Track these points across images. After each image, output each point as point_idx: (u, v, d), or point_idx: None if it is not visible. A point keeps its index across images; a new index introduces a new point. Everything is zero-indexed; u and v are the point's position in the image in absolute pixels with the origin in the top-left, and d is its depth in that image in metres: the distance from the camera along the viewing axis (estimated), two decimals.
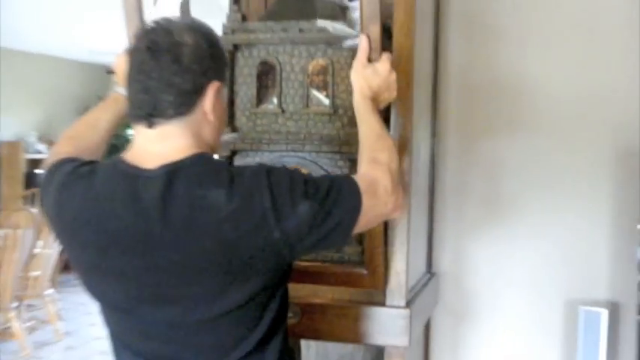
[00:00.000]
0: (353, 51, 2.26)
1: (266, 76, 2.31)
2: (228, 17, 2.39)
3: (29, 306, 7.13)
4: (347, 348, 2.54)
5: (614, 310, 2.46)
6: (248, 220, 1.48)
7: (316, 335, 2.18)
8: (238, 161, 2.29)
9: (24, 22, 7.50)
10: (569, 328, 2.53)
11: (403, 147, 2.06)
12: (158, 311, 1.59)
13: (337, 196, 1.58)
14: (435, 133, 2.62)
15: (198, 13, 2.15)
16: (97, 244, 1.58)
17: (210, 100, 1.59)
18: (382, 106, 1.95)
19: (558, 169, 2.55)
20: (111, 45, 8.67)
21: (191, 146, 1.58)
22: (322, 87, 2.27)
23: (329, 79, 2.25)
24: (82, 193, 1.60)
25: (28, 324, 6.82)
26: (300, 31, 2.28)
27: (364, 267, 2.10)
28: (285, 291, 1.71)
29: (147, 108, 1.55)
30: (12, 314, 6.20)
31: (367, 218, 1.65)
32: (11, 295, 6.05)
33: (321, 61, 2.27)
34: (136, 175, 1.55)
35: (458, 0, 2.63)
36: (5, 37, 8.46)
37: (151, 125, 1.56)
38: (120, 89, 2.00)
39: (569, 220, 2.55)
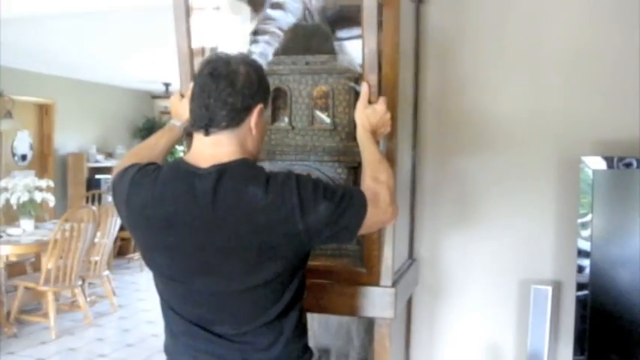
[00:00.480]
0: (349, 79, 2.25)
1: (279, 99, 2.31)
2: (248, 52, 2.37)
3: (90, 284, 7.17)
4: (344, 319, 2.51)
5: (558, 287, 2.45)
6: (278, 212, 1.54)
7: (319, 309, 2.15)
8: None
9: (90, 58, 7.50)
10: (522, 302, 2.51)
11: (390, 157, 2.03)
12: (203, 281, 1.64)
13: (349, 201, 1.62)
14: (415, 147, 2.59)
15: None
16: (159, 225, 1.64)
17: (254, 118, 1.66)
18: (379, 138, 1.94)
19: (513, 175, 2.53)
20: (154, 75, 8.75)
21: (237, 152, 1.64)
22: (324, 108, 2.27)
23: (330, 102, 2.25)
24: (149, 186, 1.66)
25: (90, 298, 6.85)
26: (307, 63, 2.27)
27: (363, 266, 2.09)
28: (303, 276, 1.75)
29: (205, 120, 1.62)
30: (77, 290, 6.22)
31: (370, 223, 1.68)
32: (77, 275, 6.05)
33: (323, 88, 2.26)
34: (193, 171, 1.61)
35: (433, 41, 2.60)
36: (72, 69, 8.49)
37: (207, 133, 1.63)
38: (174, 121, 2.06)
39: (522, 216, 2.52)
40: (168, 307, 1.75)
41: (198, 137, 1.66)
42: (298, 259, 1.67)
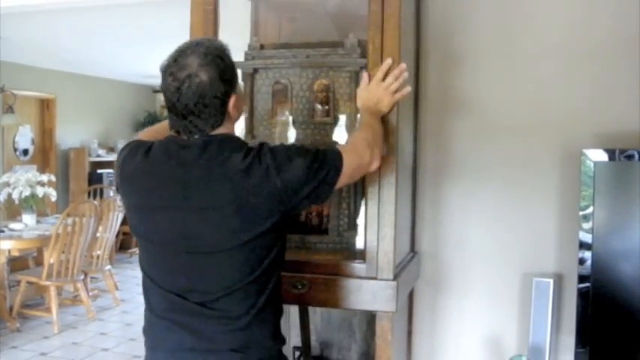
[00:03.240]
0: (350, 72, 2.25)
1: (280, 93, 2.30)
2: (249, 46, 2.37)
3: (93, 278, 7.21)
4: (346, 313, 2.52)
5: (559, 279, 2.44)
6: (256, 173, 1.63)
7: (321, 303, 2.15)
8: None
9: (91, 53, 7.50)
10: (524, 294, 2.51)
11: (391, 151, 2.05)
12: (184, 243, 1.68)
13: (323, 155, 1.73)
14: (416, 141, 2.59)
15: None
16: (146, 187, 1.73)
17: (231, 105, 1.72)
18: (388, 108, 2.01)
19: (515, 168, 2.53)
20: (156, 70, 8.71)
21: (221, 130, 1.72)
22: (325, 102, 2.27)
23: (330, 95, 2.25)
24: (141, 156, 1.75)
25: (92, 293, 6.87)
26: (307, 57, 2.27)
27: (365, 260, 2.09)
28: (283, 247, 1.79)
29: (187, 128, 1.69)
30: (80, 285, 6.24)
31: (350, 171, 1.78)
32: (79, 269, 6.07)
33: (324, 81, 2.26)
34: (181, 142, 1.70)
35: (434, 34, 2.59)
36: (73, 64, 8.48)
37: (190, 137, 1.70)
38: None
39: (524, 209, 2.52)
40: (150, 282, 1.79)
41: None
42: (279, 222, 1.69)
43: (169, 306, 1.73)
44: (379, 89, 1.98)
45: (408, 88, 2.02)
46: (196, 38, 1.82)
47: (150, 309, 1.80)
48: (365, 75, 2.02)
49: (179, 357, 1.73)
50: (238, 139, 1.76)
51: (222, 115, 1.70)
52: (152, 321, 1.79)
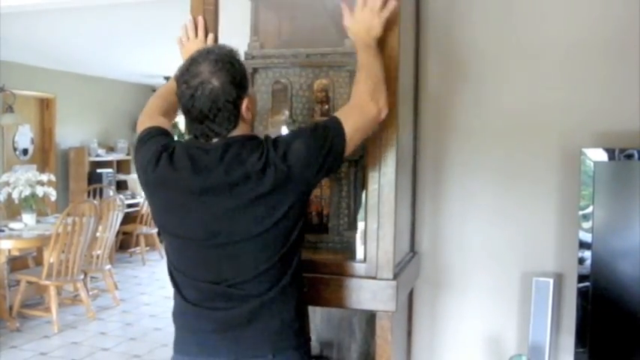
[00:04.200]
0: (349, 72, 2.25)
1: (279, 92, 2.30)
2: (249, 45, 2.38)
3: (92, 278, 7.21)
4: (346, 312, 2.52)
5: (559, 279, 2.44)
6: (269, 170, 1.71)
7: (321, 302, 2.16)
8: None
9: (91, 52, 7.50)
10: (524, 294, 2.51)
11: (391, 149, 2.06)
12: (214, 238, 1.78)
13: (323, 129, 1.80)
14: (415, 139, 2.59)
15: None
16: (172, 193, 1.81)
17: (244, 110, 1.79)
18: (380, 31, 1.96)
19: (514, 167, 2.53)
20: (155, 69, 8.74)
21: (238, 132, 1.80)
22: (325, 101, 2.26)
23: (330, 94, 2.25)
24: (165, 161, 1.81)
25: (92, 292, 6.87)
26: (307, 56, 2.27)
27: (365, 259, 2.10)
28: (303, 225, 1.87)
29: (205, 132, 1.78)
30: (80, 284, 6.23)
31: (358, 133, 1.84)
32: (79, 269, 6.07)
33: (324, 81, 2.26)
34: (202, 145, 1.79)
35: (433, 33, 2.59)
36: (73, 63, 8.48)
37: (209, 140, 1.80)
38: None
39: (523, 208, 2.52)
40: (180, 274, 1.88)
41: None
42: (297, 202, 1.79)
43: (201, 295, 1.85)
44: (365, 14, 1.93)
45: (393, 2, 1.96)
46: (207, 46, 1.88)
47: (181, 297, 1.89)
48: (344, 4, 1.98)
49: (208, 338, 1.85)
50: (256, 138, 1.83)
51: (236, 117, 1.78)
52: (182, 307, 1.89)
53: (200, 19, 2.18)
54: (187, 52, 2.02)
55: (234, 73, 1.76)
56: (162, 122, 2.00)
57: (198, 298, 1.85)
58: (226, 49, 1.82)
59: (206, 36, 2.18)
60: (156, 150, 1.85)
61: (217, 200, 1.75)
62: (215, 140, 1.79)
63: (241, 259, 1.80)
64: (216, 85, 1.73)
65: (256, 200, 1.73)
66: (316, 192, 2.36)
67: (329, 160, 1.79)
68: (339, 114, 1.85)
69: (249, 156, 1.73)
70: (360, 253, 2.13)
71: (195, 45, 2.10)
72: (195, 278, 1.85)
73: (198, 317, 1.86)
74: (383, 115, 1.91)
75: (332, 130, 1.79)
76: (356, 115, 1.85)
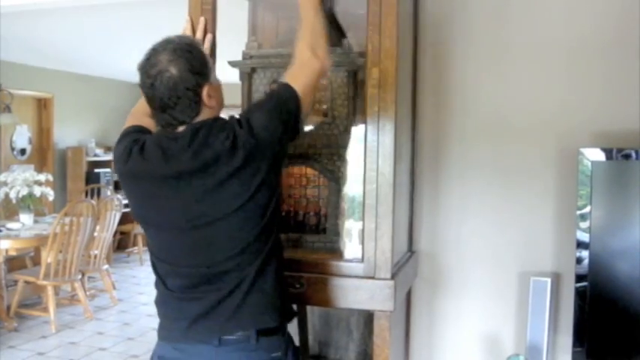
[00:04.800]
0: (348, 72, 2.25)
1: None
2: (247, 45, 2.37)
3: (90, 278, 7.20)
4: (344, 312, 2.52)
5: (557, 279, 2.45)
6: (238, 145, 1.75)
7: (319, 302, 2.16)
8: None
9: (88, 52, 7.49)
10: (521, 294, 2.51)
11: (389, 148, 2.06)
12: (189, 221, 1.80)
13: (276, 96, 1.87)
14: (414, 140, 2.60)
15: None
16: (146, 183, 1.85)
17: (205, 95, 1.81)
18: None
19: (512, 167, 2.53)
20: None
21: (204, 117, 1.83)
22: (323, 101, 2.26)
23: (328, 94, 2.24)
24: (137, 153, 1.85)
25: (90, 292, 6.88)
26: None
27: (362, 259, 2.11)
28: (278, 202, 1.90)
29: (170, 120, 1.82)
30: (77, 284, 6.23)
31: (308, 88, 1.90)
32: (76, 269, 6.06)
33: (322, 81, 2.25)
34: (171, 134, 1.82)
35: (431, 34, 2.60)
36: (71, 63, 8.47)
37: (175, 128, 1.83)
38: None
39: (521, 208, 2.53)
40: (163, 263, 1.91)
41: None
42: (269, 173, 1.81)
43: (184, 282, 1.87)
44: None
45: None
46: (167, 36, 1.87)
47: (164, 287, 1.92)
48: None
49: (192, 323, 1.85)
50: (222, 119, 1.87)
51: (197, 105, 1.81)
52: (166, 296, 1.93)
53: (202, 20, 2.18)
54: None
55: (192, 61, 1.79)
56: (147, 123, 2.02)
57: (182, 286, 1.88)
58: (187, 39, 1.89)
59: (204, 37, 2.18)
60: (127, 145, 1.89)
61: (192, 183, 1.78)
62: (181, 128, 1.82)
63: (221, 239, 1.82)
64: (175, 74, 1.76)
65: (230, 177, 1.76)
66: (314, 192, 2.37)
67: (290, 121, 1.84)
68: (287, 77, 1.91)
69: (217, 137, 1.76)
70: (349, 252, 2.13)
71: None
72: (178, 265, 1.88)
73: (181, 305, 1.88)
74: (326, 66, 1.98)
75: (284, 94, 1.86)
76: (302, 74, 1.91)
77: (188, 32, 2.20)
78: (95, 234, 6.45)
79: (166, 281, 1.91)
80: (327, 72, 2.02)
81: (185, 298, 1.88)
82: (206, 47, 2.10)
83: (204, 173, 1.76)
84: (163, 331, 1.95)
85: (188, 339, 1.87)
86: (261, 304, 1.85)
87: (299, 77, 1.90)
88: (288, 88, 1.86)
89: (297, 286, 2.09)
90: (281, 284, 1.93)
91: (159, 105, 1.80)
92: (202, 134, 1.78)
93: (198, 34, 2.17)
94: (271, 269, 1.87)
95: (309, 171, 2.35)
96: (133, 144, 1.88)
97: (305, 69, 1.92)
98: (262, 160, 1.79)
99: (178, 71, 1.77)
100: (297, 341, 2.57)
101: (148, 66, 1.81)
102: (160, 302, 1.95)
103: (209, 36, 2.19)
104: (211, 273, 1.83)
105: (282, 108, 1.83)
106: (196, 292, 1.85)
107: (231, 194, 1.78)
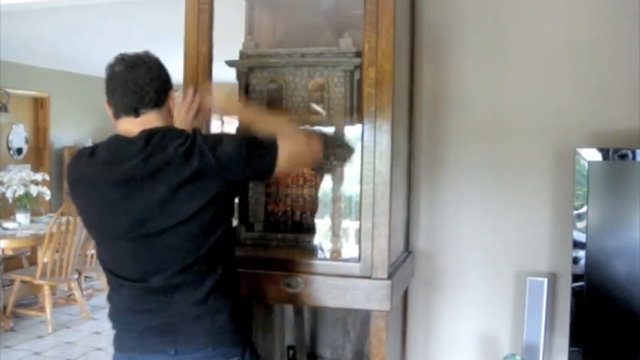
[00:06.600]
0: (344, 72, 2.25)
1: (274, 92, 2.30)
2: (244, 45, 2.37)
3: (87, 277, 7.17)
4: (340, 312, 2.52)
5: (553, 279, 2.44)
6: (194, 155, 1.74)
7: (315, 302, 2.15)
8: None
9: (85, 51, 7.48)
10: (518, 293, 2.51)
11: (385, 147, 2.06)
12: (137, 229, 1.78)
13: (258, 144, 1.84)
14: (411, 140, 2.59)
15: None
16: (96, 186, 1.81)
17: (172, 101, 1.89)
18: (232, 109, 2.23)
19: (509, 167, 2.53)
20: None
21: (162, 123, 1.86)
22: (320, 100, 2.26)
23: (325, 94, 2.25)
24: (86, 157, 1.87)
25: (87, 292, 6.85)
26: (302, 56, 2.27)
27: (359, 259, 2.10)
28: (229, 226, 1.93)
29: (135, 103, 1.83)
30: (74, 284, 6.22)
31: (294, 157, 1.90)
32: (73, 268, 6.04)
33: (319, 80, 2.26)
34: (124, 138, 1.83)
35: (429, 35, 2.60)
36: (67, 62, 8.46)
37: (137, 115, 1.83)
38: None
39: (518, 208, 2.53)
40: (114, 276, 1.89)
41: (128, 120, 1.85)
42: (218, 196, 1.79)
43: (135, 292, 1.85)
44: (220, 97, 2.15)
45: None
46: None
47: (118, 299, 1.90)
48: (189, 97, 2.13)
49: (146, 335, 1.84)
50: (178, 129, 1.88)
51: (160, 97, 1.85)
52: (120, 309, 1.91)
53: (189, 92, 2.16)
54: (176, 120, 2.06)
55: (164, 69, 1.89)
56: None
57: (132, 298, 1.86)
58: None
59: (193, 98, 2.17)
60: (77, 153, 1.94)
61: (142, 189, 1.76)
62: (136, 130, 1.81)
63: (168, 252, 1.80)
64: (153, 61, 1.86)
65: (180, 186, 1.74)
66: (311, 192, 2.37)
67: (251, 173, 1.87)
68: (279, 136, 1.87)
69: (171, 142, 1.76)
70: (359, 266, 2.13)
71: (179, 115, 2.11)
72: (128, 277, 1.86)
73: (134, 318, 1.86)
74: (317, 153, 1.98)
75: (265, 147, 1.84)
76: (294, 140, 1.91)
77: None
78: None
79: (118, 293, 1.90)
80: (318, 161, 2.05)
81: (137, 310, 1.86)
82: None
83: (155, 179, 1.75)
84: (119, 342, 1.92)
85: (146, 349, 1.85)
86: (216, 329, 1.83)
87: (289, 141, 1.88)
88: (273, 145, 1.84)
89: (294, 285, 2.09)
90: (239, 312, 1.90)
91: (129, 88, 1.83)
92: (156, 138, 1.77)
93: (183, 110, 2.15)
94: (225, 297, 1.85)
95: (306, 170, 2.35)
96: (82, 151, 1.91)
97: (299, 140, 1.93)
98: (216, 180, 1.78)
99: (157, 63, 1.87)
100: (293, 341, 2.58)
101: (129, 57, 1.87)
102: (113, 315, 1.93)
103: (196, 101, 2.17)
104: (159, 289, 1.81)
105: (253, 157, 1.83)
106: (147, 305, 1.84)
107: (179, 205, 1.76)
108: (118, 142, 1.84)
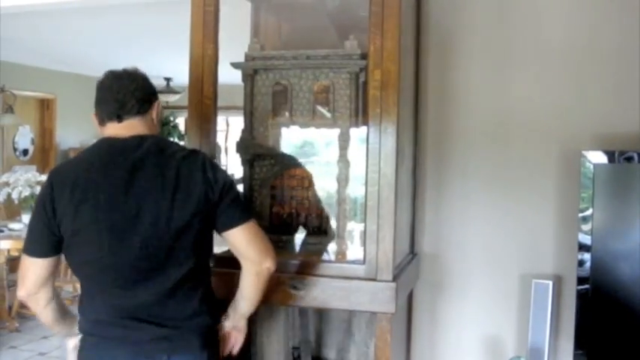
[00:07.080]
0: (350, 74, 2.25)
1: (280, 94, 2.30)
2: (249, 47, 2.37)
3: None
4: (345, 314, 2.52)
5: (559, 281, 2.45)
6: (193, 163, 1.83)
7: (320, 304, 2.15)
8: (257, 165, 2.32)
9: (91, 53, 7.50)
10: (523, 296, 2.51)
11: (391, 150, 2.06)
12: (123, 234, 1.79)
13: (243, 205, 1.95)
14: (416, 142, 2.59)
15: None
16: (88, 190, 1.80)
17: (155, 110, 1.94)
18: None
19: (514, 169, 2.53)
20: (155, 70, 8.71)
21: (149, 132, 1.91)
22: (325, 103, 2.26)
23: (330, 96, 2.25)
24: (75, 164, 1.92)
25: None
26: (307, 58, 2.27)
27: (364, 261, 2.10)
28: (211, 239, 1.94)
29: (118, 109, 1.86)
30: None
31: (257, 233, 1.91)
32: None
33: (324, 82, 2.26)
34: (114, 140, 1.86)
35: (434, 36, 2.60)
36: (73, 64, 8.48)
37: (120, 120, 1.86)
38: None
39: (523, 210, 2.53)
40: (91, 294, 2.01)
41: (112, 125, 1.88)
42: (205, 212, 1.82)
43: (122, 302, 1.91)
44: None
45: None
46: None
47: (92, 313, 2.03)
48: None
49: (122, 346, 1.91)
50: (193, 149, 1.97)
51: (145, 105, 1.89)
52: (99, 322, 2.01)
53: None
54: None
55: (149, 84, 1.94)
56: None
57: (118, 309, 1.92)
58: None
59: None
60: (59, 164, 2.01)
61: (134, 186, 1.79)
62: (126, 133, 1.86)
63: (159, 259, 1.81)
64: (139, 73, 1.92)
65: (171, 183, 1.79)
66: (316, 194, 2.37)
67: (239, 205, 1.90)
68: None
69: (169, 146, 1.88)
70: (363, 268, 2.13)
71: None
72: (108, 300, 1.95)
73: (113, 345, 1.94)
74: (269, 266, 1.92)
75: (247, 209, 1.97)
76: (261, 233, 1.93)
77: None
78: None
79: (94, 313, 2.01)
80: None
81: (110, 338, 1.95)
82: None
83: (147, 177, 1.80)
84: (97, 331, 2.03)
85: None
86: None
87: (258, 238, 1.91)
88: (251, 220, 1.90)
89: (299, 287, 2.09)
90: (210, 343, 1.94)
91: (114, 98, 1.86)
92: (150, 143, 1.84)
93: None
94: (201, 324, 1.89)
95: (312, 173, 2.35)
96: (68, 159, 1.98)
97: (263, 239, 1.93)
98: (204, 197, 1.81)
99: (143, 76, 1.93)
100: (297, 343, 2.58)
101: (116, 70, 1.93)
102: (85, 329, 2.05)
103: None
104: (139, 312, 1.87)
105: (241, 203, 1.92)
106: (123, 333, 1.92)
107: (166, 209, 1.79)
108: (107, 142, 1.88)
